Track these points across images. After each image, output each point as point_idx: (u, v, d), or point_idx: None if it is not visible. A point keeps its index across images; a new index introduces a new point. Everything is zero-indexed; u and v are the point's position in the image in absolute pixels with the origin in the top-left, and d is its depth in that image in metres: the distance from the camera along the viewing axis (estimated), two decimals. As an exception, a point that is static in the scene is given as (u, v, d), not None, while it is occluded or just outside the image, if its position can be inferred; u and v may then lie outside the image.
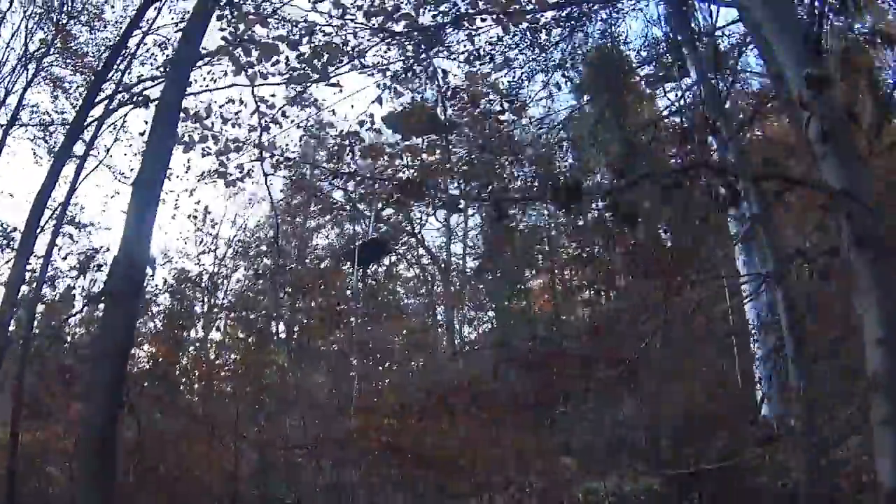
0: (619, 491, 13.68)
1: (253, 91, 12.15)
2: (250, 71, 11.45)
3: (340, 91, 12.59)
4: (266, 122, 12.53)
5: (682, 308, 11.92)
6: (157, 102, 11.96)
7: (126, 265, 8.17)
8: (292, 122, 13.81)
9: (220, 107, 12.79)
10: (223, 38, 11.09)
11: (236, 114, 12.90)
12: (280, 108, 12.80)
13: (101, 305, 12.81)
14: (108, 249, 17.34)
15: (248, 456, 17.12)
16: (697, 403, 14.03)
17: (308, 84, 12.48)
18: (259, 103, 12.31)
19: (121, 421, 9.95)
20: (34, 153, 17.86)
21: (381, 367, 22.76)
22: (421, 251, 25.90)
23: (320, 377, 21.26)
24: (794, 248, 10.78)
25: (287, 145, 14.53)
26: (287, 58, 11.32)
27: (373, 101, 13.54)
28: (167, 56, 15.82)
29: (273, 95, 12.93)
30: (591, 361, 13.38)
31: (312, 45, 11.35)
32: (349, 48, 12.05)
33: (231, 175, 13.09)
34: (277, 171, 13.97)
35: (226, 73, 13.48)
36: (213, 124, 12.55)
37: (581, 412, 14.99)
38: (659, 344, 12.22)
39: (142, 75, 16.37)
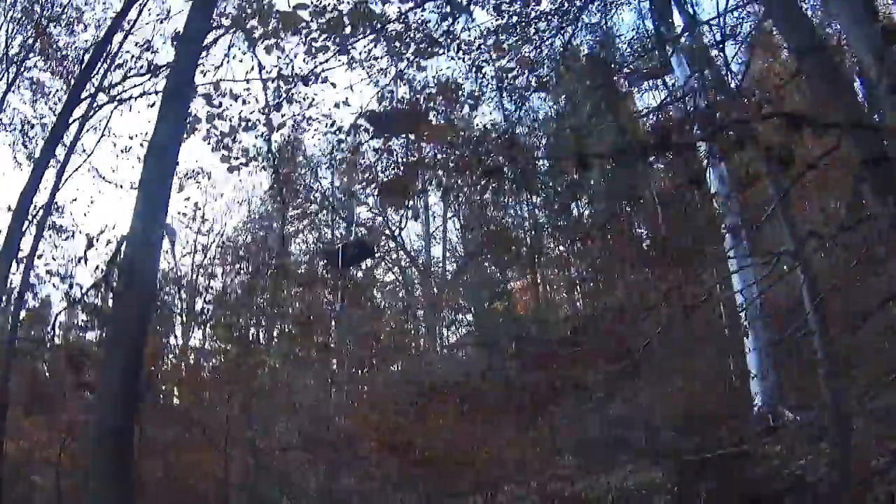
0: (621, 485, 13.70)
1: (260, 73, 12.01)
2: (266, 43, 11.28)
3: (353, 69, 12.56)
4: (279, 98, 12.37)
5: (683, 302, 11.98)
6: (169, 70, 11.64)
7: (139, 242, 7.85)
8: (283, 117, 13.64)
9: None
10: (236, 7, 10.95)
11: (246, 89, 12.74)
12: (293, 85, 12.64)
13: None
14: (114, 227, 16.97)
15: (239, 462, 16.89)
16: (696, 398, 14.11)
17: (326, 60, 12.31)
18: (274, 81, 12.16)
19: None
20: (14, 158, 17.52)
21: (360, 372, 22.63)
22: (401, 254, 25.82)
23: (310, 379, 21.10)
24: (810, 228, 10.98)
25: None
26: (309, 25, 11.19)
27: (394, 78, 13.48)
28: (149, 58, 15.80)
29: (280, 76, 12.75)
30: (589, 358, 13.35)
31: (338, 12, 11.22)
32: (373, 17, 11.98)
33: (236, 159, 12.93)
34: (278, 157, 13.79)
35: (217, 67, 13.28)
36: (221, 104, 12.39)
37: (581, 409, 15.01)
38: (658, 341, 12.27)
39: (127, 72, 16.14)
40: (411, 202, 20.29)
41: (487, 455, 14.41)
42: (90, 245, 12.51)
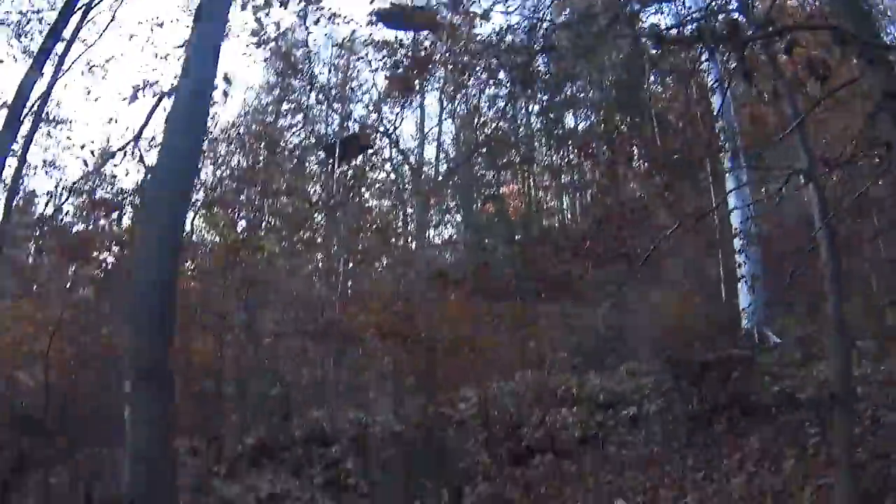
0: (615, 388, 14.23)
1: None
2: None
3: None
4: None
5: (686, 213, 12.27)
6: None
7: (190, 97, 7.82)
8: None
9: None
10: None
11: None
12: None
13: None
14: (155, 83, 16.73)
15: (233, 348, 17.10)
16: (688, 310, 14.53)
17: None
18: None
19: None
20: (10, 53, 17.10)
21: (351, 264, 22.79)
22: (394, 152, 25.76)
23: (307, 265, 21.37)
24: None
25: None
26: None
27: None
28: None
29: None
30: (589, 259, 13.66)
31: None
32: None
33: (265, 34, 12.80)
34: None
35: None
36: None
37: (577, 311, 15.48)
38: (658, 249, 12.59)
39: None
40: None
41: (483, 348, 14.86)
42: (134, 98, 12.35)
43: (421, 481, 12.63)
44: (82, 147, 16.74)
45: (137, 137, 12.56)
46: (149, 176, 11.93)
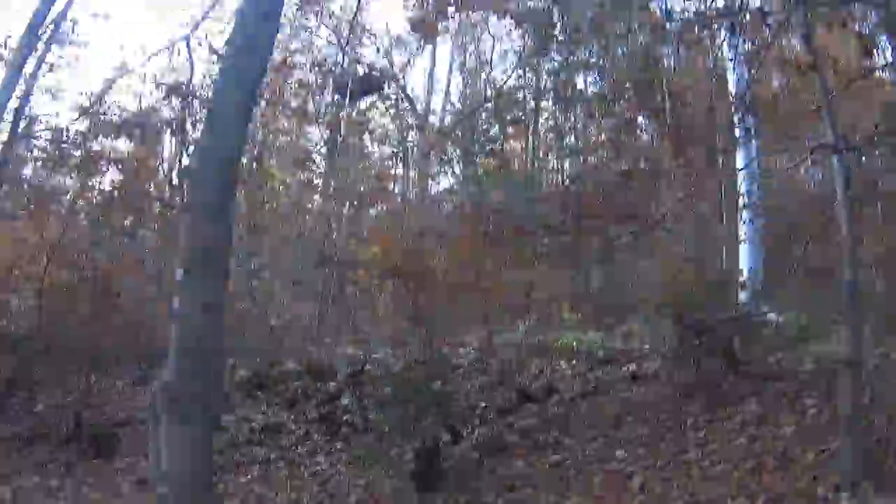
0: (616, 346, 14.42)
1: None
2: None
3: None
4: None
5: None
6: None
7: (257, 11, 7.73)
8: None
9: None
10: None
11: None
12: None
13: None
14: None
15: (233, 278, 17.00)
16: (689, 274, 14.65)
17: None
18: None
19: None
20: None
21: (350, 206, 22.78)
22: (401, 97, 25.60)
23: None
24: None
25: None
26: None
27: None
28: None
29: None
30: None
31: None
32: None
33: None
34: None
35: None
36: None
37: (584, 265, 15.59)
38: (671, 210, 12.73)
39: None
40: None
41: (489, 291, 14.98)
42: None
43: (418, 421, 12.70)
44: (121, 47, 16.46)
45: (193, 31, 12.25)
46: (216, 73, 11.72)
